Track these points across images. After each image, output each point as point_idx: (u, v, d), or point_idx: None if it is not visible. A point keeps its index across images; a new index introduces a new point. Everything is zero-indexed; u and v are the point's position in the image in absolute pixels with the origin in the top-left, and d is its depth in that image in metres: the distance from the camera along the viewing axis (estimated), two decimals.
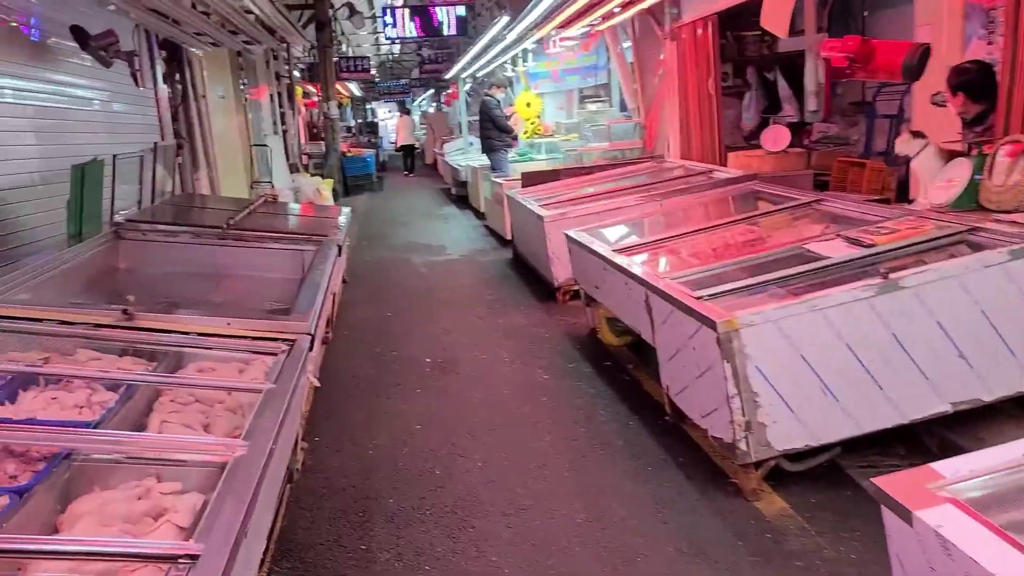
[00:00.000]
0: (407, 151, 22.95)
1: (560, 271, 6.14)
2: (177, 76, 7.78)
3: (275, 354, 3.15)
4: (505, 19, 9.06)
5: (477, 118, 20.93)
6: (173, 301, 4.58)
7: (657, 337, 3.73)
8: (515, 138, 10.71)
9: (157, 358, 3.09)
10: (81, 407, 2.51)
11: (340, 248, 5.50)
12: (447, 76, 18.34)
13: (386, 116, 47.28)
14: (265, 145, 11.19)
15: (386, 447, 3.74)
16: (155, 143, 6.01)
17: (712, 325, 3.01)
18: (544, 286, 6.51)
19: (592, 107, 10.44)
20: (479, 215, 11.33)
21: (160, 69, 7.22)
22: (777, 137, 6.40)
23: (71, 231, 4.61)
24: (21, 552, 1.62)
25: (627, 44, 9.12)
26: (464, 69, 16.33)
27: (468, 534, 2.94)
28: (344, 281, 7.36)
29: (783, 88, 7.95)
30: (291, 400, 2.67)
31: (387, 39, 14.67)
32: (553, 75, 13.37)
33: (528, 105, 13.54)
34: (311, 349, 3.37)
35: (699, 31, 7.12)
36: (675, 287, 3.50)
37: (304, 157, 17.17)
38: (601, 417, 3.94)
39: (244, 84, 11.52)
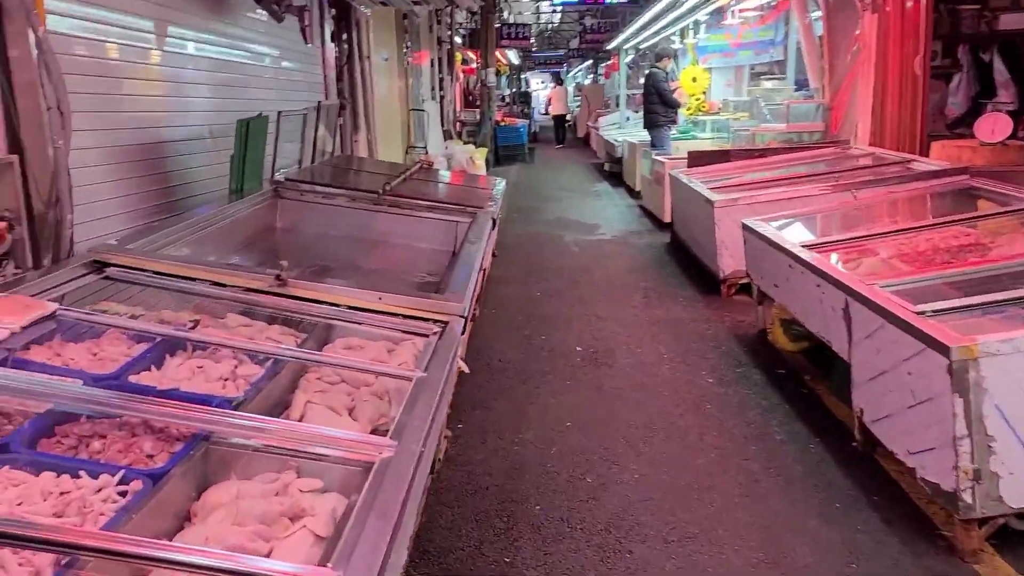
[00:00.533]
0: (558, 122, 23.15)
1: (728, 262, 5.63)
2: (344, 36, 7.76)
3: (426, 335, 2.91)
4: None
5: (635, 92, 20.28)
6: (326, 265, 4.49)
7: (854, 352, 3.21)
8: (677, 114, 10.14)
9: (306, 329, 2.93)
10: (226, 380, 2.34)
11: (494, 221, 5.24)
12: (609, 47, 17.77)
13: (538, 87, 47.19)
14: (423, 110, 11.15)
15: (533, 444, 3.44)
16: (319, 102, 5.95)
17: (943, 350, 2.48)
18: (707, 277, 6.01)
19: (768, 84, 9.67)
20: (634, 194, 10.84)
21: (328, 27, 7.20)
22: (996, 126, 5.54)
23: (233, 186, 4.59)
24: (141, 558, 1.42)
25: (816, 15, 8.30)
26: (628, 40, 15.72)
27: (625, 561, 2.59)
28: (494, 255, 7.13)
29: (1000, 71, 6.96)
30: (442, 393, 2.40)
31: (552, 5, 14.23)
32: (725, 49, 12.57)
33: (694, 80, 12.84)
34: (464, 332, 3.11)
35: (908, 3, 6.29)
36: (886, 297, 2.97)
37: (458, 124, 17.21)
38: (776, 436, 3.46)
39: (407, 48, 11.51)
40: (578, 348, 4.69)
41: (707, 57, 12.98)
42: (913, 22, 6.27)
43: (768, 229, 4.42)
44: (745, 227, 4.72)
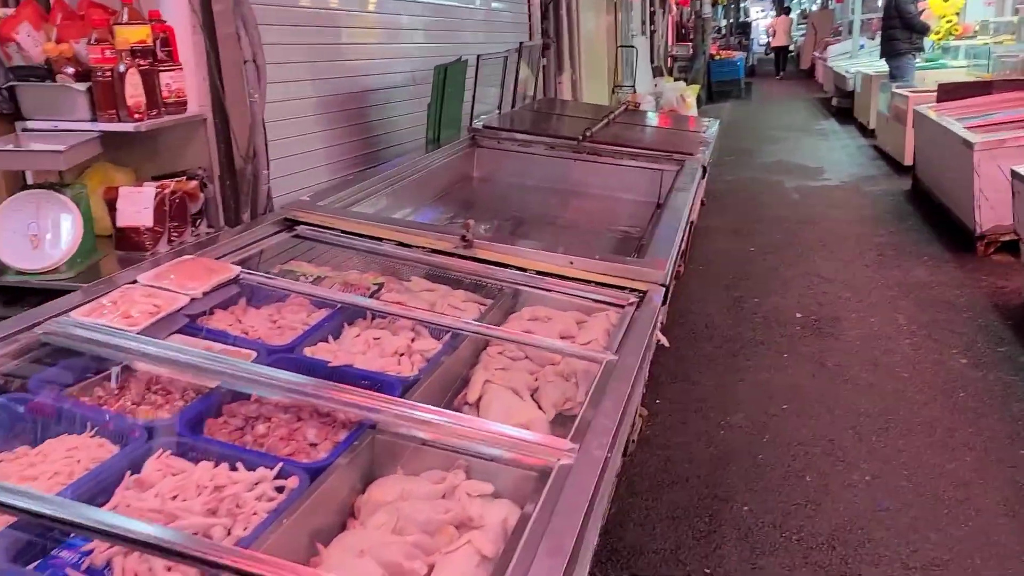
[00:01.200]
0: (780, 52, 22.32)
1: (988, 215, 4.76)
2: None
3: (622, 306, 2.59)
4: None
5: (871, 16, 18.17)
6: (521, 218, 4.27)
7: None
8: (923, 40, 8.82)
9: (492, 294, 2.71)
10: (402, 355, 2.18)
11: (704, 169, 4.74)
12: None
13: (758, 16, 44.09)
14: (632, 47, 10.59)
15: (743, 429, 3.03)
16: (520, 43, 5.69)
17: None
18: (959, 232, 5.14)
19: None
20: (867, 132, 9.66)
21: None
22: None
23: (430, 136, 4.46)
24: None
25: None
26: None
27: None
28: (703, 203, 6.60)
29: None
30: (635, 381, 2.08)
31: None
32: None
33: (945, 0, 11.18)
34: (665, 302, 2.75)
35: None
36: None
37: (669, 60, 16.35)
38: None
39: None
40: (798, 315, 4.15)
41: None
42: None
43: None
44: (1016, 176, 3.88)
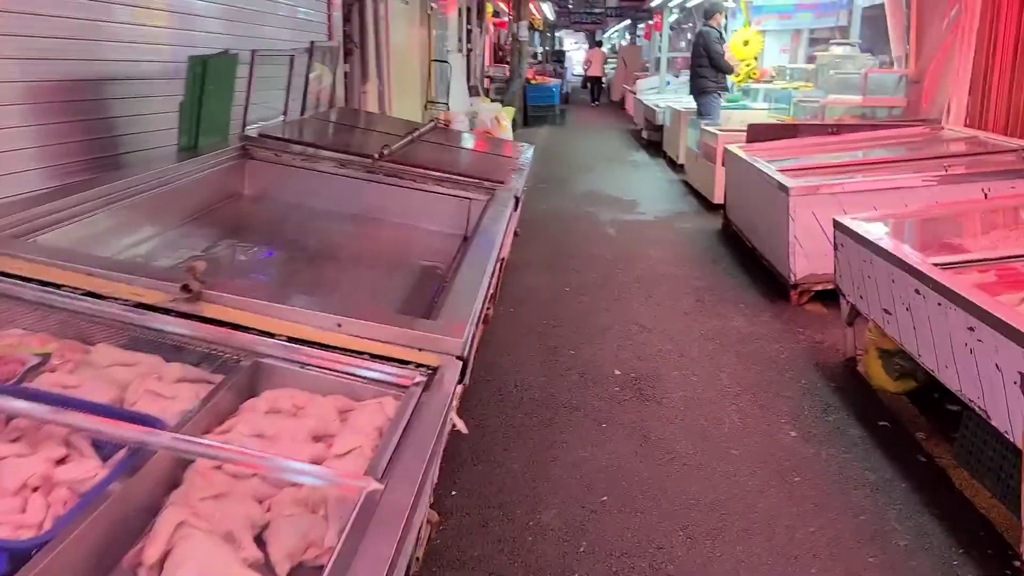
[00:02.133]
0: (594, 82, 23.55)
1: (801, 264, 4.57)
2: None
3: (405, 387, 1.93)
4: None
5: (677, 55, 18.95)
6: (293, 251, 3.50)
7: None
8: (727, 81, 8.97)
9: (228, 367, 1.95)
10: (35, 489, 1.36)
11: (517, 200, 4.20)
12: (652, 4, 16.43)
13: (571, 47, 45.66)
14: (445, 62, 10.04)
15: (555, 533, 2.44)
16: (311, 42, 4.90)
17: None
18: (771, 277, 4.96)
19: (837, 50, 8.46)
20: (676, 167, 9.71)
21: None
22: None
23: (183, 143, 3.57)
24: None
25: None
26: None
27: None
28: (516, 234, 6.10)
29: None
30: (409, 521, 1.41)
31: None
32: (784, 10, 11.28)
33: (746, 44, 11.60)
34: (463, 379, 2.11)
35: None
36: None
37: (486, 81, 16.05)
38: (900, 538, 2.45)
39: None
40: (616, 371, 3.67)
41: (761, 18, 11.69)
42: None
43: (876, 232, 3.35)
44: (839, 227, 3.64)
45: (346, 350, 2.04)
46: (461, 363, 2.09)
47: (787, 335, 4.15)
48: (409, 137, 4.77)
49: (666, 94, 14.30)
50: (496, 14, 17.40)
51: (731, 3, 12.30)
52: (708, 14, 8.93)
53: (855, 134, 6.15)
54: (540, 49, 31.34)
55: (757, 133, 6.35)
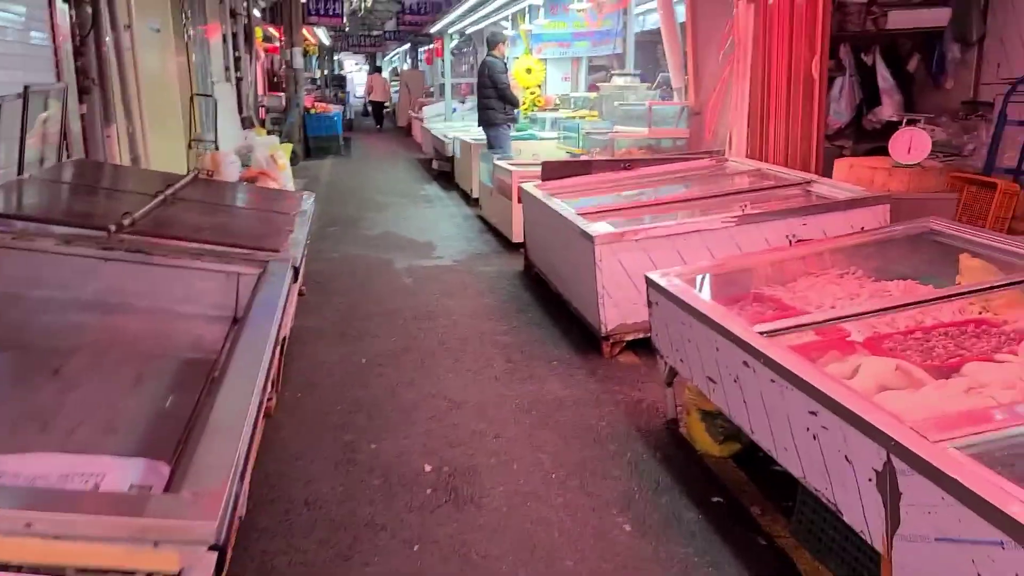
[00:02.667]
0: (377, 107, 23.67)
1: (611, 313, 4.35)
2: None
3: None
4: None
5: (460, 80, 18.89)
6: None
7: (897, 548, 1.95)
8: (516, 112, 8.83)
9: None
10: None
11: (296, 271, 3.60)
12: (432, 30, 16.23)
13: (353, 69, 44.81)
14: (210, 95, 9.09)
15: None
16: (25, 86, 4.00)
17: None
18: (580, 326, 4.71)
19: (619, 81, 8.58)
20: (470, 200, 9.42)
21: None
22: (914, 144, 4.66)
23: None
24: None
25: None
26: (452, 23, 14.27)
27: None
28: (301, 294, 5.45)
29: (884, 77, 6.19)
30: None
31: None
32: (563, 38, 11.44)
33: (528, 72, 11.71)
34: (220, 571, 1.55)
35: None
36: (977, 473, 1.72)
37: (261, 111, 15.04)
38: None
39: (188, 17, 9.38)
40: (427, 467, 3.18)
41: (541, 46, 11.82)
42: (807, 17, 5.27)
43: (692, 294, 3.13)
44: (652, 284, 3.40)
45: (37, 570, 1.42)
46: (216, 554, 1.52)
47: (605, 396, 3.88)
48: (161, 197, 4.02)
49: (453, 122, 14.10)
50: (267, 39, 16.40)
51: (511, 32, 12.33)
52: (491, 44, 8.74)
53: (647, 168, 6.12)
54: (319, 74, 30.31)
55: (551, 170, 6.16)
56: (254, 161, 8.33)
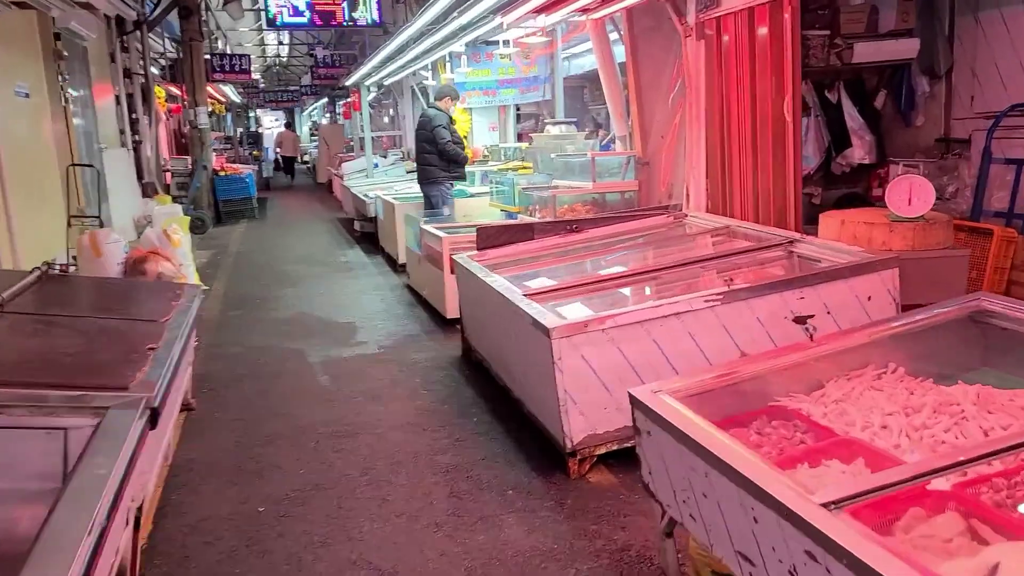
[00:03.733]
0: (288, 161, 25.04)
1: (577, 422, 3.46)
2: None
3: None
4: None
5: (380, 134, 18.06)
6: None
7: None
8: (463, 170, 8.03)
9: None
10: None
11: (156, 411, 2.60)
12: (347, 83, 15.38)
13: (273, 125, 43.70)
14: (90, 165, 7.98)
15: None
16: None
17: None
18: (537, 434, 3.82)
19: (554, 130, 7.84)
20: (396, 266, 8.49)
21: None
22: (914, 194, 3.97)
23: None
24: None
25: (615, 37, 6.54)
26: (369, 75, 13.45)
27: None
28: (188, 408, 4.41)
29: (852, 116, 5.59)
30: None
31: (276, 34, 11.51)
32: (488, 86, 10.72)
33: (453, 122, 10.89)
34: None
35: (761, 28, 4.62)
36: None
37: (167, 175, 13.85)
38: None
39: (65, 78, 8.29)
40: None
41: (466, 96, 11.03)
42: (771, 53, 4.60)
43: (713, 437, 2.24)
44: (640, 407, 2.51)
45: None
46: None
47: (580, 543, 2.96)
48: None
49: (376, 178, 13.23)
50: (172, 99, 15.28)
51: (432, 81, 11.59)
52: (439, 95, 7.96)
53: (598, 229, 5.32)
54: (235, 132, 29.12)
55: (488, 237, 5.30)
56: (144, 238, 7.24)
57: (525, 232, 5.40)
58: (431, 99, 8.18)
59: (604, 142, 7.76)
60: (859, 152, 5.51)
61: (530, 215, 6.69)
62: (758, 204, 4.84)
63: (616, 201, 6.46)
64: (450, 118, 7.70)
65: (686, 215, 5.40)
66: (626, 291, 4.15)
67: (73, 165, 7.61)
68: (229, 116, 29.57)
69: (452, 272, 6.00)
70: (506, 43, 8.16)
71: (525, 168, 8.25)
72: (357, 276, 8.43)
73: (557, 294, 4.03)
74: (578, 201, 6.44)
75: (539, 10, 5.38)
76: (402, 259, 8.27)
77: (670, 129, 5.84)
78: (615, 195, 6.43)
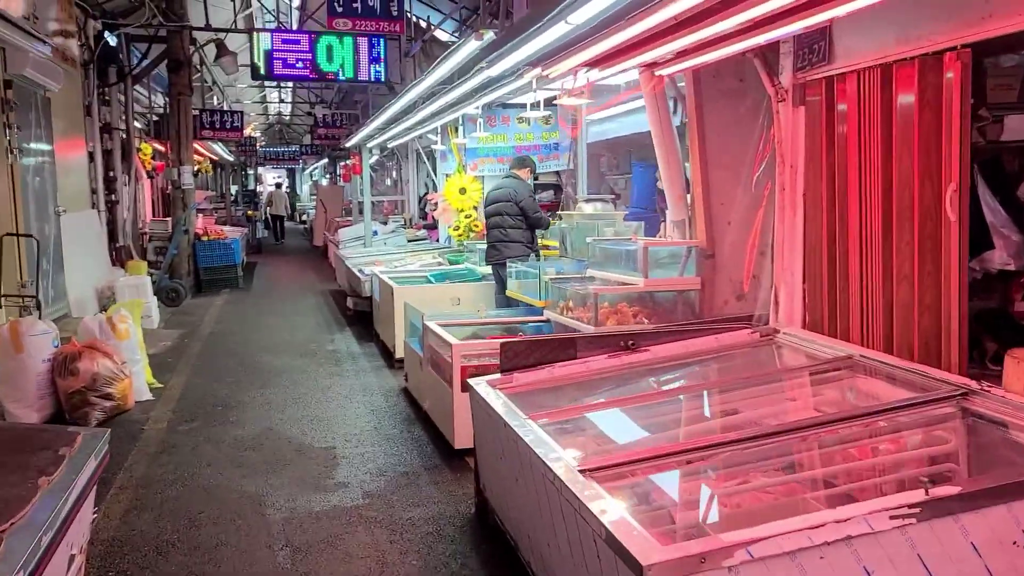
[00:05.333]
0: (278, 220, 24.58)
1: None
2: None
3: None
4: (488, 39, 5.04)
5: (382, 199, 16.92)
6: None
7: None
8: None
9: None
10: None
11: None
12: (348, 144, 14.28)
13: (272, 183, 43.17)
14: (30, 235, 6.70)
15: None
16: None
17: None
18: None
19: (588, 208, 6.57)
20: (392, 359, 7.15)
21: None
22: None
23: None
24: None
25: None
26: (372, 136, 12.34)
27: None
28: None
29: (994, 209, 4.30)
30: None
31: (254, 79, 10.35)
32: (504, 152, 9.54)
33: (462, 192, 9.72)
34: None
35: (910, 88, 3.37)
36: None
37: (144, 238, 12.64)
38: None
39: (15, 131, 7.09)
40: None
41: (477, 162, 9.85)
42: (922, 127, 3.34)
43: None
44: None
45: None
46: None
47: None
48: None
49: (374, 247, 12.01)
50: (160, 155, 14.12)
51: (441, 146, 10.43)
52: (519, 165, 7.13)
53: (661, 347, 4.00)
54: (226, 190, 28.15)
55: (516, 355, 3.95)
56: (82, 328, 5.90)
57: (565, 349, 4.06)
58: (507, 169, 7.26)
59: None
60: (1002, 255, 4.21)
61: (561, 313, 5.37)
62: (892, 327, 3.52)
63: (670, 299, 5.15)
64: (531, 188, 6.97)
65: (777, 331, 4.08)
66: (731, 468, 2.80)
67: (8, 235, 6.32)
68: (228, 175, 28.62)
69: (464, 390, 4.69)
70: (535, 105, 6.98)
71: (550, 248, 6.97)
72: (345, 372, 7.05)
73: (630, 471, 2.68)
74: (623, 300, 5.12)
75: (590, 63, 4.15)
76: (399, 352, 6.92)
77: (755, 217, 4.56)
78: (669, 294, 5.13)
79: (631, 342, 4.05)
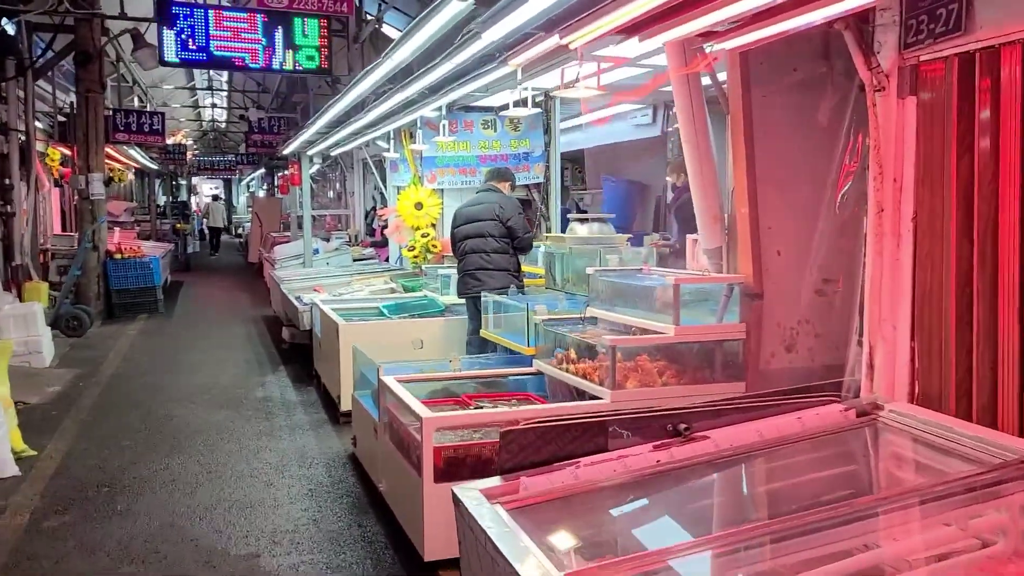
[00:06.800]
0: (215, 232, 24.56)
1: None
2: None
3: None
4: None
5: (323, 213, 15.50)
6: None
7: None
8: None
9: None
10: None
11: None
12: (286, 151, 12.85)
13: (213, 190, 41.38)
14: None
15: None
16: None
17: None
18: None
19: (582, 230, 5.35)
20: (336, 412, 5.83)
21: None
22: None
23: None
24: None
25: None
26: (312, 143, 10.97)
27: None
28: None
29: None
30: None
31: (161, 63, 8.82)
32: (466, 163, 8.31)
33: (419, 207, 8.48)
34: None
35: None
36: None
37: (44, 255, 11.00)
38: None
39: None
40: None
41: (436, 173, 8.57)
42: None
43: None
44: None
45: None
46: None
47: None
48: None
49: (315, 267, 10.64)
50: (66, 162, 12.47)
51: (393, 154, 9.15)
52: (499, 177, 5.91)
53: (721, 433, 2.81)
54: (163, 199, 26.30)
55: (522, 449, 2.70)
56: None
57: (592, 438, 2.83)
58: (484, 180, 5.96)
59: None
60: None
61: (559, 365, 4.15)
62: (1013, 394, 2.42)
63: (704, 351, 3.98)
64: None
65: (880, 407, 2.93)
66: None
67: None
68: (159, 184, 26.71)
69: (438, 480, 3.48)
70: (520, 103, 5.78)
71: (534, 278, 5.75)
72: (277, 430, 5.67)
73: None
74: (642, 351, 3.92)
75: (627, 29, 2.97)
76: (345, 404, 5.60)
77: (810, 244, 3.42)
78: (717, 346, 3.95)
79: (684, 426, 2.85)
